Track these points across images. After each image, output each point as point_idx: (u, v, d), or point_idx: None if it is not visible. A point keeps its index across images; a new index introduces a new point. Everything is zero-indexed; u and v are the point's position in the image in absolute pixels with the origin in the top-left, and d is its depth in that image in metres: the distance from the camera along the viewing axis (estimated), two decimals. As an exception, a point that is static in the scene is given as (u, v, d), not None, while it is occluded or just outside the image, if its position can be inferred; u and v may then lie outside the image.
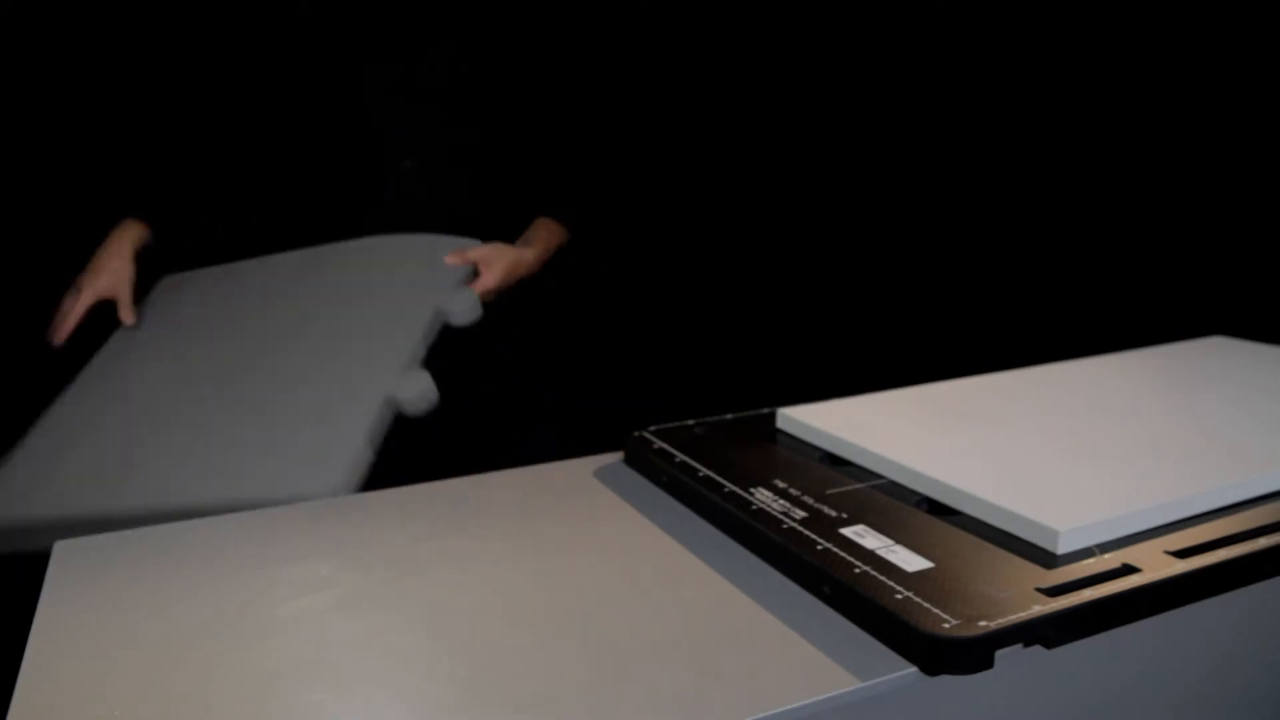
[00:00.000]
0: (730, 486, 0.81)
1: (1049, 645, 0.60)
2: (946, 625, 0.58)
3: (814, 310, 2.23)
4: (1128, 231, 2.02)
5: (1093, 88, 2.04)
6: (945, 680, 0.58)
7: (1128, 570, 0.66)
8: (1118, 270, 2.03)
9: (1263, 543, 0.70)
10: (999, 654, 0.59)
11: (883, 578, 0.65)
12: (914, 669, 0.58)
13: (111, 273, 1.13)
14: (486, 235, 1.15)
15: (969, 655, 0.58)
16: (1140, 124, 1.97)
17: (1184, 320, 1.37)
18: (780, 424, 0.97)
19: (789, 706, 0.53)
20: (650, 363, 1.15)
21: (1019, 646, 0.59)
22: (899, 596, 0.62)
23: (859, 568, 0.66)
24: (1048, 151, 2.13)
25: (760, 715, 0.53)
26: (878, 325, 2.27)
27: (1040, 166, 2.15)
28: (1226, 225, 1.87)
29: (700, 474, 0.84)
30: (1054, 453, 0.85)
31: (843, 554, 0.68)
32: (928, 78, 2.21)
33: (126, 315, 1.15)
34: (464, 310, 1.11)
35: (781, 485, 0.82)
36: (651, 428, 0.96)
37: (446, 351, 1.07)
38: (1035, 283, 2.17)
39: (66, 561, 0.73)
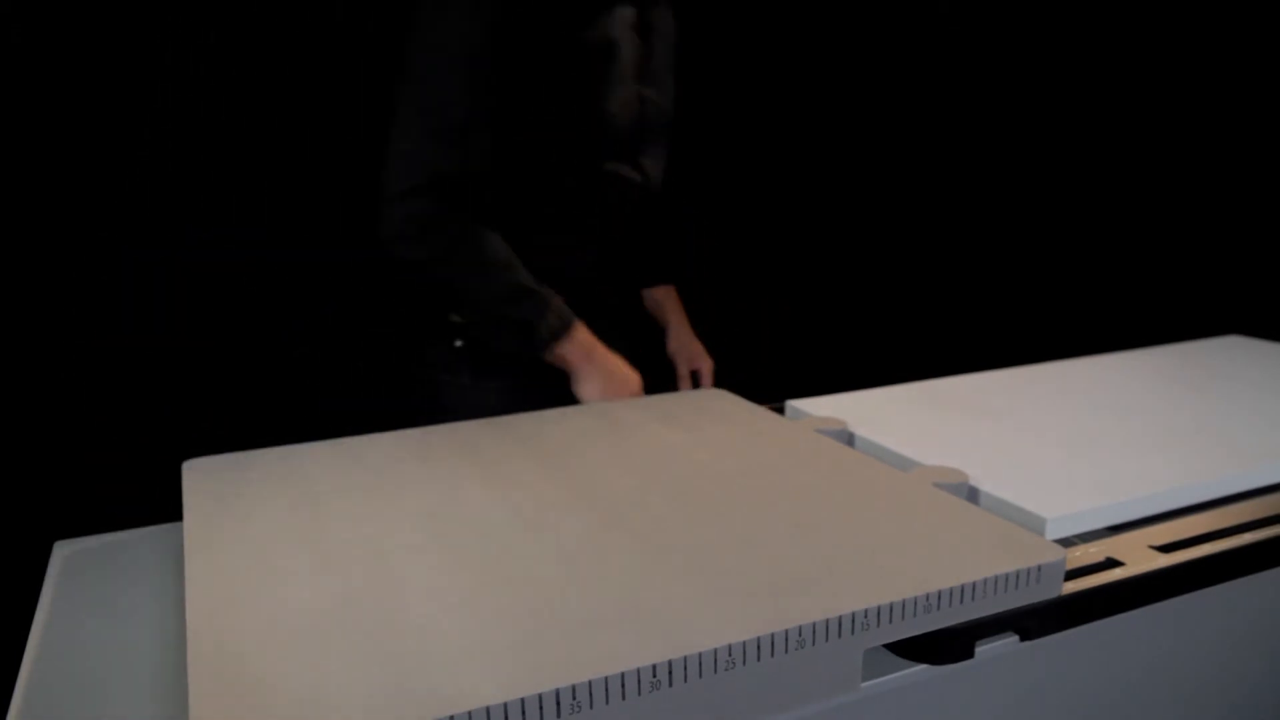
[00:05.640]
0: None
1: (1027, 637, 0.63)
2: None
3: (860, 299, 2.25)
4: (1150, 232, 2.01)
5: (1117, 91, 2.02)
6: (944, 679, 0.61)
7: (1111, 564, 0.69)
8: (1138, 269, 2.02)
9: (1247, 538, 0.72)
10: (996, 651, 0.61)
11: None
12: (921, 666, 0.60)
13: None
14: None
15: (949, 646, 0.60)
16: (1162, 126, 1.95)
17: (1202, 319, 1.38)
18: (789, 416, 1.00)
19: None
20: (658, 355, 1.18)
21: (1014, 639, 0.62)
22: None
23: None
24: (1074, 154, 2.12)
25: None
26: (914, 323, 2.29)
27: (1065, 169, 2.14)
28: (1246, 226, 1.85)
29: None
30: (1054, 446, 0.87)
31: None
32: (941, 78, 2.20)
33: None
34: None
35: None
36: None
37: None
38: (1058, 281, 2.17)
39: (66, 561, 0.74)
